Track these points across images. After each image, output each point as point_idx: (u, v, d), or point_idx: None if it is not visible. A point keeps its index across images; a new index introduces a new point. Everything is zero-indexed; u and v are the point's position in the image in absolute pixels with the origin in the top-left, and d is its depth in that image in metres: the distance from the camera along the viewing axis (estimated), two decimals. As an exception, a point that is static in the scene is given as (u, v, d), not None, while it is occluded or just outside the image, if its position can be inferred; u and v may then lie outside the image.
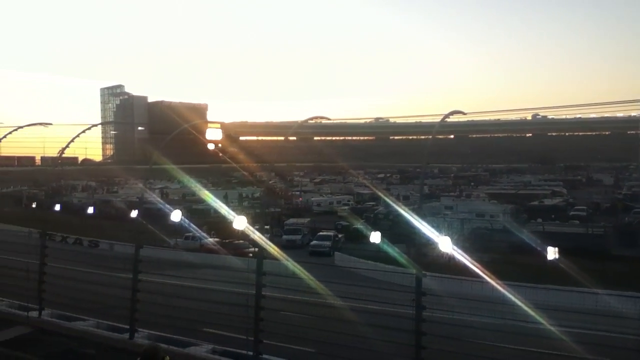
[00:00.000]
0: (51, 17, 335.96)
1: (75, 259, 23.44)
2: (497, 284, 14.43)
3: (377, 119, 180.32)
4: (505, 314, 13.06)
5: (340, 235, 42.23)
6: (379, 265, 27.30)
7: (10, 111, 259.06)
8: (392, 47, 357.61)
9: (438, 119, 12.20)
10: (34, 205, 55.93)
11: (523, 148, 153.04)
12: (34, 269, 14.77)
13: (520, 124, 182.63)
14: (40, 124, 20.62)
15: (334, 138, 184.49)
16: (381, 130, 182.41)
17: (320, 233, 42.07)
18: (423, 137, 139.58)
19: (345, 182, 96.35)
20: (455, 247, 14.52)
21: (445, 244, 11.30)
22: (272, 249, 13.26)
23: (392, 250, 26.18)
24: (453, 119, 12.23)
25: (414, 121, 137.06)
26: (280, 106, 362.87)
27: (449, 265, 24.76)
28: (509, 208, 47.92)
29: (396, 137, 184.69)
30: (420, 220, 11.33)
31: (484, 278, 16.61)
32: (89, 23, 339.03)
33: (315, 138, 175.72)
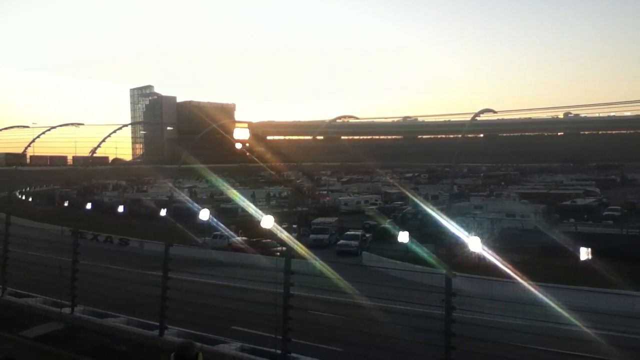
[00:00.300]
0: (83, 21, 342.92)
1: (106, 257, 23.88)
2: (529, 284, 14.16)
3: (405, 117, 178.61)
4: (537, 315, 12.78)
5: (367, 235, 42.00)
6: (407, 265, 27.05)
7: (44, 112, 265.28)
8: (418, 46, 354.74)
9: (468, 118, 12.04)
10: (65, 204, 57.14)
11: (555, 147, 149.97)
12: (66, 267, 15.05)
13: (552, 123, 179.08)
14: (72, 124, 21.01)
15: (361, 137, 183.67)
16: (409, 129, 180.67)
17: (348, 232, 41.91)
18: (452, 136, 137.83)
19: (373, 181, 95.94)
20: (485, 248, 14.29)
21: (474, 244, 11.13)
22: (300, 248, 13.25)
23: (421, 250, 25.93)
24: (483, 117, 12.05)
25: (442, 120, 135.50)
26: (306, 105, 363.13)
27: (479, 266, 24.38)
28: (541, 208, 46.98)
29: (424, 136, 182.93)
30: (449, 220, 11.18)
31: (515, 279, 16.32)
32: (120, 26, 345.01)
33: (343, 137, 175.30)
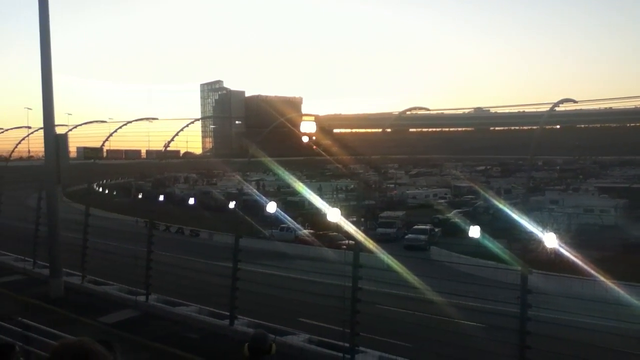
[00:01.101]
0: (156, 18, 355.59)
1: (177, 248, 24.61)
2: (612, 283, 13.36)
3: (476, 109, 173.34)
4: (621, 315, 12.02)
5: (436, 229, 41.22)
6: (478, 261, 26.26)
7: (120, 110, 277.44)
8: (488, 37, 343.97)
9: (545, 108, 11.46)
10: (140, 196, 59.48)
11: (638, 139, 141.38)
12: (141, 256, 15.57)
13: (635, 113, 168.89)
14: (146, 119, 21.77)
15: (430, 129, 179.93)
16: (481, 120, 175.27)
17: (416, 227, 41.27)
18: (526, 127, 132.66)
19: (442, 174, 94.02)
20: (562, 244, 13.62)
21: (550, 240, 10.62)
22: (368, 242, 13.10)
23: (493, 246, 25.09)
24: (562, 107, 11.45)
25: (516, 111, 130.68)
26: (374, 98, 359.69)
27: (554, 262, 23.34)
28: (622, 203, 44.51)
29: (497, 128, 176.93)
30: (523, 214, 10.69)
31: (594, 277, 15.45)
32: (191, 23, 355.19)
33: (411, 130, 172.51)
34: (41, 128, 18.53)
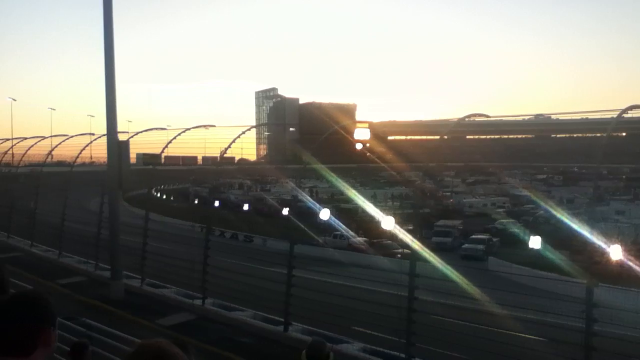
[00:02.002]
0: (211, 26, 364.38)
1: (232, 253, 24.92)
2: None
3: (537, 115, 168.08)
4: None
5: (495, 239, 40.17)
6: (539, 273, 25.34)
7: (178, 115, 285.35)
8: (557, 39, 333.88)
9: (609, 115, 10.94)
10: (196, 202, 60.72)
11: None
12: (198, 260, 15.83)
13: None
14: (203, 126, 22.19)
15: (488, 136, 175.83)
16: (541, 127, 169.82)
17: (473, 236, 40.38)
18: (590, 135, 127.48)
19: (501, 183, 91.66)
20: (628, 256, 12.97)
21: (615, 252, 10.14)
22: (424, 251, 12.84)
23: (555, 257, 24.15)
24: (631, 114, 10.90)
25: (579, 117, 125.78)
26: (429, 104, 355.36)
27: (620, 276, 22.24)
28: (694, 214, 42.10)
29: (559, 135, 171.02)
30: (587, 225, 10.22)
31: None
32: (247, 30, 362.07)
33: (468, 137, 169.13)
34: (104, 135, 19.20)
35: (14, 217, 26.57)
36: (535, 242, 22.02)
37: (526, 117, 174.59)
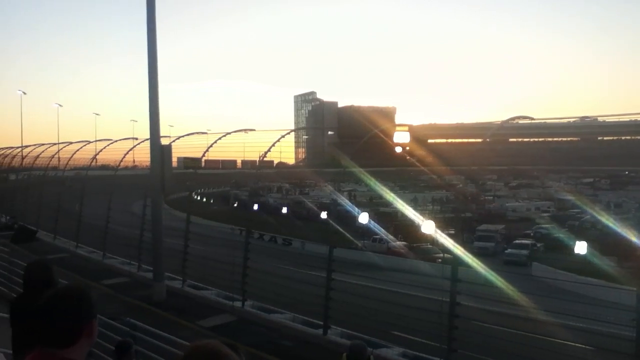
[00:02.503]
0: (249, 30, 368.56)
1: (271, 256, 25.04)
2: None
3: (582, 117, 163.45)
4: None
5: (539, 244, 39.18)
6: (586, 279, 24.54)
7: (217, 119, 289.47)
8: (591, 41, 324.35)
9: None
10: (235, 205, 61.24)
11: None
12: (238, 263, 15.93)
13: None
14: (243, 130, 22.38)
15: (531, 139, 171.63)
16: (588, 129, 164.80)
17: (516, 241, 39.49)
18: (639, 137, 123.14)
19: (545, 187, 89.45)
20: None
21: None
22: (466, 256, 12.61)
23: (602, 263, 23.37)
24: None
25: (628, 119, 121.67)
26: (471, 106, 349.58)
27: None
28: None
29: (605, 138, 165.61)
30: (636, 230, 9.82)
31: None
32: (285, 35, 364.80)
33: (511, 139, 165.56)
34: (147, 139, 19.56)
35: (60, 219, 27.41)
36: (581, 247, 21.42)
37: (572, 120, 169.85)
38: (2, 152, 44.59)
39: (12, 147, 43.67)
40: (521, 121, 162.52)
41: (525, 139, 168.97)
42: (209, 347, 1.70)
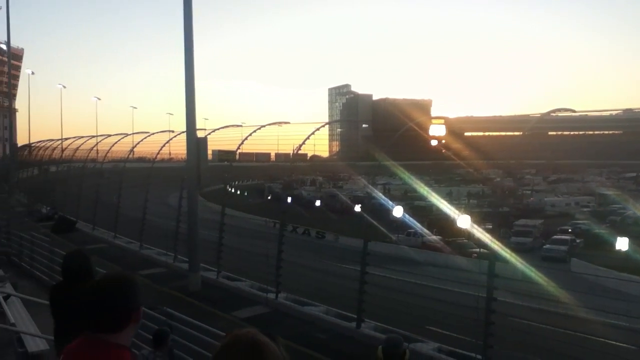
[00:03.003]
0: (287, 24, 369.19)
1: (305, 248, 25.10)
2: None
3: (625, 110, 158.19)
4: None
5: (578, 240, 38.22)
6: (627, 276, 23.81)
7: (252, 112, 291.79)
8: (634, 30, 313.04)
9: None
10: (269, 198, 61.51)
11: None
12: (272, 255, 15.99)
13: None
14: (278, 123, 22.39)
15: (571, 133, 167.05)
16: (631, 122, 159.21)
17: (555, 237, 38.65)
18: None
19: (585, 181, 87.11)
20: None
21: None
22: (503, 250, 12.33)
23: (646, 260, 22.63)
24: None
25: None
26: (509, 98, 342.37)
27: None
28: None
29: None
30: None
31: None
32: (321, 28, 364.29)
33: (550, 133, 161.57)
34: (183, 132, 19.78)
35: (99, 210, 28.04)
36: (622, 243, 20.70)
37: (614, 112, 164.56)
38: (43, 144, 45.96)
39: (52, 140, 44.96)
40: (562, 114, 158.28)
41: (565, 132, 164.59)
42: (249, 336, 1.70)
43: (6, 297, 10.74)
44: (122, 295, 2.42)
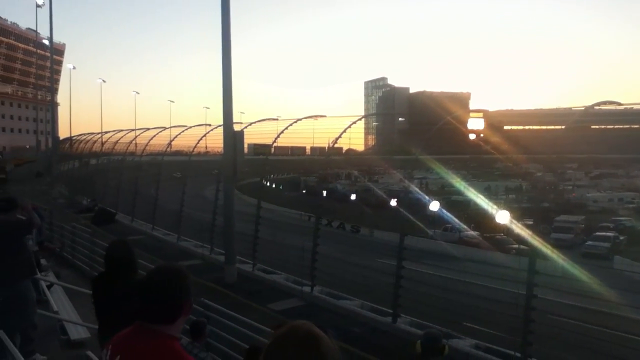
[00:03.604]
0: (324, 20, 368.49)
1: (339, 242, 25.03)
2: None
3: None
4: None
5: (621, 237, 37.06)
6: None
7: (289, 105, 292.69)
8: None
9: None
10: (304, 191, 61.62)
11: None
12: (307, 249, 15.98)
13: None
14: (313, 116, 22.34)
15: (615, 126, 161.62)
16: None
17: (597, 233, 37.56)
18: None
19: (630, 177, 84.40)
20: None
21: None
22: (544, 246, 12.02)
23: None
24: None
25: None
26: (551, 90, 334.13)
27: None
28: None
29: None
30: None
31: None
32: (357, 22, 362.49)
33: (593, 127, 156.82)
34: (219, 125, 19.91)
35: (138, 203, 28.58)
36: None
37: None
38: (84, 137, 47.07)
39: (92, 133, 46.01)
40: (606, 107, 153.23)
41: (609, 126, 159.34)
42: (305, 328, 1.72)
43: (49, 286, 11.04)
44: (175, 287, 2.47)
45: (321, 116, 22.52)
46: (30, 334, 7.22)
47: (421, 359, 4.82)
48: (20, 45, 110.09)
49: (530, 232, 11.71)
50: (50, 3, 46.90)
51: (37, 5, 56.96)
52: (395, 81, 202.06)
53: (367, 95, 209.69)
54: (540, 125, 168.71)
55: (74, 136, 55.53)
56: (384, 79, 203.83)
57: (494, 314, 11.69)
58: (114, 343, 2.49)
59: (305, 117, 21.89)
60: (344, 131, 18.42)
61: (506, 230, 33.96)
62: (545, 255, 12.62)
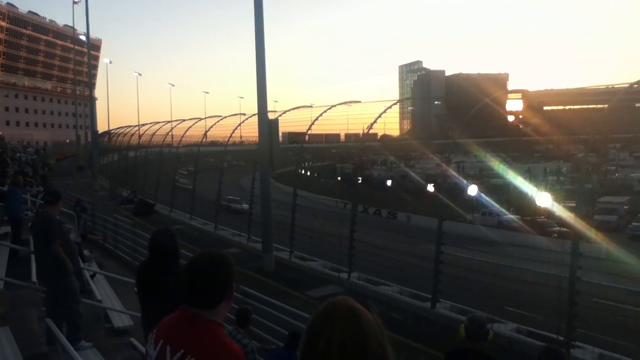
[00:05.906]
0: (357, 4, 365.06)
1: (377, 228, 24.89)
2: None
3: None
4: None
5: (668, 219, 35.81)
6: None
7: (322, 92, 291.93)
8: None
9: None
10: (339, 178, 61.48)
11: None
12: (344, 235, 15.97)
13: None
14: (347, 103, 22.19)
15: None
16: None
17: (643, 214, 36.39)
18: None
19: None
20: None
21: None
22: (587, 229, 11.67)
23: None
24: None
25: None
26: (593, 68, 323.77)
27: None
28: None
29: None
30: None
31: None
32: (390, 6, 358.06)
33: (637, 105, 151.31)
34: (254, 114, 19.98)
35: (176, 193, 29.05)
36: None
37: None
38: (122, 131, 48.04)
39: (130, 126, 46.89)
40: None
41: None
42: (346, 303, 1.71)
43: (92, 276, 11.35)
44: (220, 272, 2.49)
45: (355, 102, 22.35)
46: (76, 322, 7.47)
47: (465, 344, 4.74)
48: (58, 41, 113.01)
49: (572, 214, 11.37)
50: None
51: (74, 2, 58.07)
52: (430, 64, 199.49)
53: (402, 80, 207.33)
54: (581, 105, 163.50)
55: (112, 129, 56.80)
56: (418, 62, 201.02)
57: (536, 298, 11.47)
58: (159, 328, 2.53)
59: (340, 104, 21.76)
60: (379, 116, 18.23)
61: (547, 213, 33.21)
62: (588, 238, 12.28)
